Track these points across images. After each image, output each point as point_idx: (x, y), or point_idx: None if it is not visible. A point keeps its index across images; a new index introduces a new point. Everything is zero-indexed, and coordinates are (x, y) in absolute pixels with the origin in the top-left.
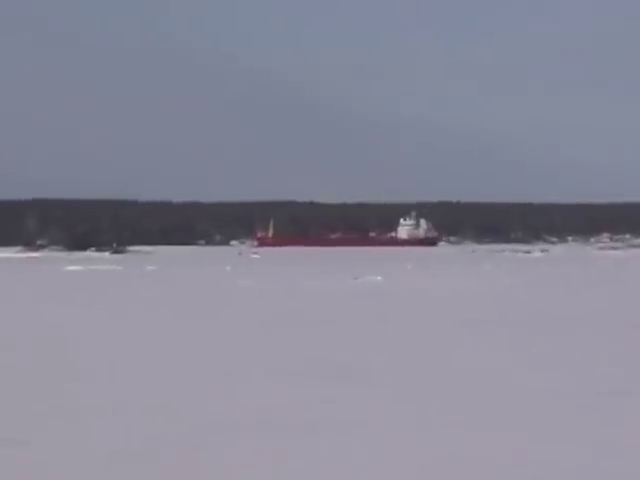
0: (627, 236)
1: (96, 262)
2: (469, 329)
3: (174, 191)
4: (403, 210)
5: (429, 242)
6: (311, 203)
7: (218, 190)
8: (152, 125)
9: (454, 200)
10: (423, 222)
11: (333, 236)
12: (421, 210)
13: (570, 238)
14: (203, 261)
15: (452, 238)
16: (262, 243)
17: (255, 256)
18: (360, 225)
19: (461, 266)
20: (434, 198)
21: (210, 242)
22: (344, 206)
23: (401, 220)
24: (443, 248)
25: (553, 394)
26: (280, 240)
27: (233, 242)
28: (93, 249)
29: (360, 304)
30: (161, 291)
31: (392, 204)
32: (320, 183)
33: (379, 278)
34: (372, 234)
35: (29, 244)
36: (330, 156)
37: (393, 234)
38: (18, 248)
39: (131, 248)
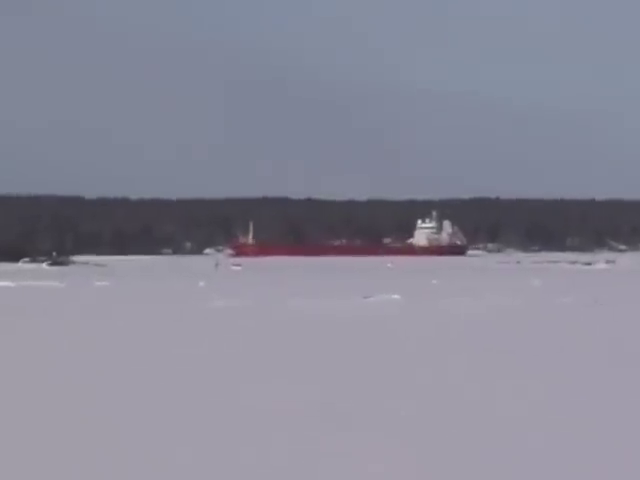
0: None
1: (30, 276)
2: (512, 368)
3: (131, 185)
4: (426, 209)
5: (455, 250)
6: (308, 200)
7: (188, 184)
8: (102, 104)
9: (492, 196)
10: (447, 224)
11: (336, 243)
12: (445, 209)
13: None
14: (169, 275)
15: (490, 245)
16: (240, 252)
17: (236, 268)
18: (371, 229)
19: (502, 282)
20: (465, 194)
21: (178, 251)
22: (350, 204)
23: (418, 222)
24: (478, 258)
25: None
26: (265, 248)
27: (208, 250)
28: (27, 260)
29: (373, 332)
30: (114, 315)
31: (412, 201)
32: (320, 175)
33: (396, 297)
34: (387, 240)
35: None
36: (332, 141)
37: (412, 241)
38: None
39: (76, 258)
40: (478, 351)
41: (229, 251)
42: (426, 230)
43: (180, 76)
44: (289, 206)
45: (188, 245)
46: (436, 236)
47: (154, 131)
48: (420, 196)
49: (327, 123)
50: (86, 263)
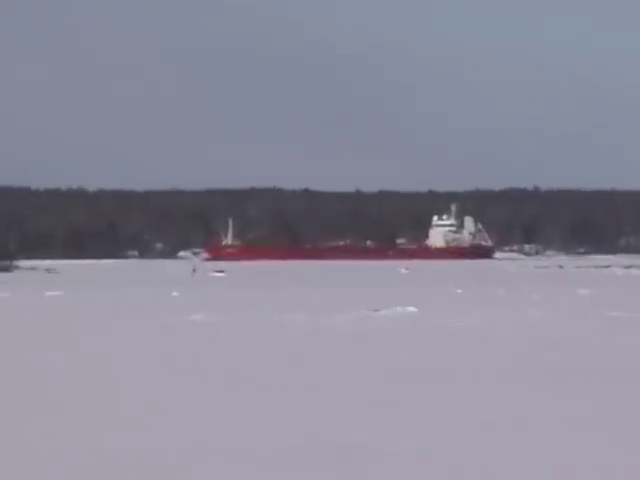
0: None
1: None
2: (550, 402)
3: (89, 174)
4: (448, 203)
5: (479, 253)
6: (305, 191)
7: (159, 172)
8: (56, 83)
9: (529, 186)
10: (469, 221)
11: (339, 244)
12: (468, 203)
13: None
14: (135, 283)
15: (526, 246)
16: (217, 255)
17: (218, 275)
18: (381, 227)
19: (541, 292)
20: (495, 184)
21: (147, 253)
22: (357, 197)
23: (434, 218)
24: (511, 262)
25: None
26: (249, 250)
27: (183, 253)
28: None
29: (383, 353)
30: (68, 331)
31: (431, 194)
32: (319, 163)
33: (412, 309)
34: (401, 240)
35: None
36: (334, 121)
37: (429, 242)
38: None
39: (21, 263)
40: (511, 381)
41: (204, 254)
42: (443, 228)
43: (150, 48)
44: (282, 199)
45: (159, 246)
46: (455, 235)
47: (117, 110)
48: (441, 187)
49: (329, 100)
50: (34, 268)
